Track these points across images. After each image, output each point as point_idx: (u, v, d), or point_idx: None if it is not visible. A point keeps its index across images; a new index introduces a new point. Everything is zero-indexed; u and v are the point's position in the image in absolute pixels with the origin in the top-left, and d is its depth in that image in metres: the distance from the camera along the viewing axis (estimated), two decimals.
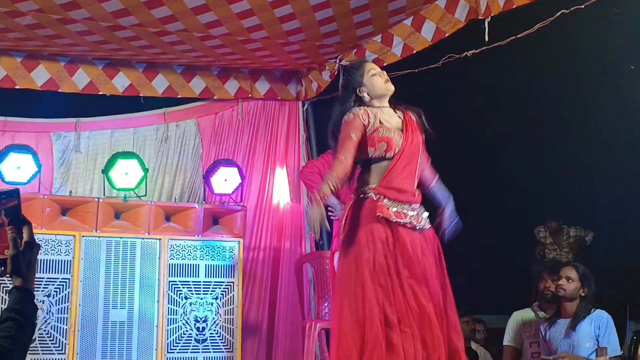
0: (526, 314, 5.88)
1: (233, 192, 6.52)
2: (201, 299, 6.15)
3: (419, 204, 4.31)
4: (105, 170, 6.23)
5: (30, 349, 5.55)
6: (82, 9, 5.33)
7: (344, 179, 4.18)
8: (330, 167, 4.30)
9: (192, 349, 6.08)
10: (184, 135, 7.03)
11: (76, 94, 6.58)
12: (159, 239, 6.09)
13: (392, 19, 5.97)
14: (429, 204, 4.45)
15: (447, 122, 8.30)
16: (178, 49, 6.24)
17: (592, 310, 5.18)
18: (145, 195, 6.34)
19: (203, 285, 6.18)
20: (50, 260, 5.73)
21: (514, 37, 5.31)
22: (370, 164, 4.28)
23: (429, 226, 4.34)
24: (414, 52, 5.99)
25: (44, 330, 5.65)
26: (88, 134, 6.71)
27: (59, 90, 6.49)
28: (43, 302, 5.65)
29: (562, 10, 4.88)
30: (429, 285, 4.19)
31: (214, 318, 6.16)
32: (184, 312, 6.09)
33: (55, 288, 5.72)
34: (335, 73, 6.72)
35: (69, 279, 5.77)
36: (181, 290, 6.10)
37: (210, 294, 6.18)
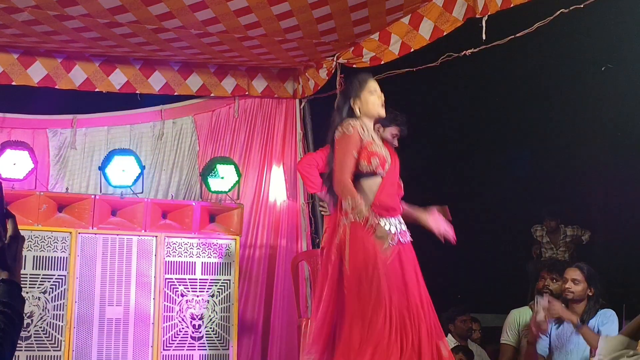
0: (524, 312, 5.87)
1: (230, 190, 6.51)
2: (197, 296, 6.14)
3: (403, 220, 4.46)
4: (101, 167, 6.22)
5: (25, 345, 5.55)
6: (79, 5, 5.32)
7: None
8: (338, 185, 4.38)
9: (188, 347, 6.07)
10: (181, 132, 7.02)
11: (73, 91, 6.57)
12: (155, 236, 6.08)
13: (389, 17, 5.97)
14: None
15: (445, 120, 8.33)
16: (175, 46, 6.23)
17: (599, 309, 5.20)
18: (141, 193, 6.33)
19: (199, 282, 6.17)
20: (46, 257, 5.72)
21: (512, 37, 5.31)
22: (359, 179, 4.37)
23: (410, 239, 4.46)
24: (412, 50, 5.98)
25: (40, 327, 5.63)
26: (84, 131, 6.69)
27: (56, 87, 6.49)
28: (39, 299, 5.64)
29: (561, 10, 4.88)
30: (408, 297, 4.29)
31: (210, 315, 6.15)
32: (180, 310, 6.08)
33: (51, 285, 5.70)
34: (333, 71, 6.71)
35: (65, 275, 5.75)
36: (177, 288, 6.09)
37: (207, 291, 6.18)
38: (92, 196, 5.98)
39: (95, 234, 5.91)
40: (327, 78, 6.84)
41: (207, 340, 6.13)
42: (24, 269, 5.62)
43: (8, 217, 2.14)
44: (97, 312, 5.83)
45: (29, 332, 5.56)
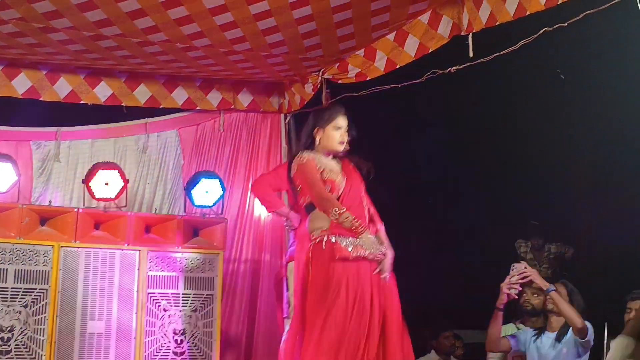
0: (508, 329, 5.88)
1: (214, 205, 6.49)
2: (180, 311, 6.11)
3: (374, 235, 4.56)
4: (85, 180, 6.19)
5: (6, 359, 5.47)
6: (64, 18, 5.31)
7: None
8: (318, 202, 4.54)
9: None
10: (165, 146, 7.00)
11: (57, 103, 6.54)
12: (139, 250, 6.05)
13: (375, 33, 5.98)
14: None
15: (429, 136, 8.35)
16: (161, 59, 6.23)
17: None
18: (125, 206, 6.30)
19: (182, 297, 6.14)
20: (28, 270, 5.68)
21: (497, 54, 5.33)
22: (314, 208, 4.53)
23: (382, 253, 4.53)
24: (397, 67, 6.00)
25: (20, 341, 5.58)
26: (68, 143, 6.67)
27: (40, 99, 6.46)
28: (20, 313, 5.60)
29: (545, 28, 4.91)
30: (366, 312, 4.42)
31: (192, 331, 6.12)
32: (162, 325, 6.05)
33: (32, 298, 5.66)
34: (318, 86, 6.72)
35: (46, 289, 5.71)
36: (160, 302, 6.07)
37: (189, 306, 6.15)
38: (75, 209, 5.95)
39: (78, 247, 5.88)
40: (312, 93, 6.84)
41: (189, 355, 6.10)
42: (5, 282, 5.59)
43: None
44: (79, 327, 5.80)
45: (9, 346, 5.52)
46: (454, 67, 5.63)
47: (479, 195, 8.54)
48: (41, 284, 5.71)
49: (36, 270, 5.71)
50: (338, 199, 4.50)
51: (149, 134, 6.96)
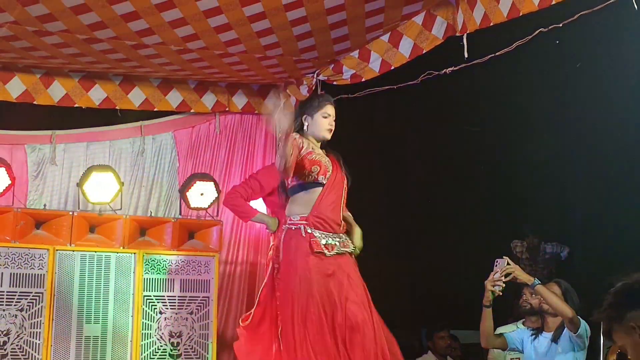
0: (510, 329, 5.88)
1: (209, 207, 6.49)
2: (176, 313, 6.11)
3: (344, 234, 4.65)
4: (80, 184, 6.18)
5: None
6: (58, 21, 5.30)
7: (291, 162, 4.37)
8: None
9: None
10: (160, 148, 7.00)
11: (52, 106, 6.54)
12: (134, 253, 6.05)
13: (369, 34, 5.99)
14: None
15: (425, 138, 8.35)
16: (155, 62, 6.22)
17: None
18: (120, 209, 6.30)
19: (178, 299, 6.14)
20: (23, 274, 5.67)
21: (492, 55, 5.34)
22: (297, 192, 4.58)
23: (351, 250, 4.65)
24: (392, 68, 6.00)
25: (17, 345, 5.58)
26: (63, 147, 6.66)
27: (34, 103, 6.45)
28: (16, 317, 5.59)
29: (540, 29, 4.91)
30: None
31: (188, 333, 6.12)
32: (158, 327, 6.04)
33: (28, 302, 5.66)
34: (313, 88, 6.72)
35: (42, 293, 5.71)
36: (156, 305, 6.06)
37: (185, 308, 6.14)
38: (70, 213, 5.94)
39: (73, 250, 5.88)
40: (307, 95, 6.83)
41: (186, 358, 6.10)
42: (1, 286, 5.58)
43: None
44: (75, 330, 5.80)
45: (5, 350, 5.51)
46: (450, 68, 5.63)
47: (475, 195, 8.54)
48: (37, 287, 5.70)
49: (32, 274, 5.70)
50: (325, 185, 4.55)
51: (144, 136, 6.95)
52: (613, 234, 7.49)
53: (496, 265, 5.12)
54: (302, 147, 4.56)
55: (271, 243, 5.66)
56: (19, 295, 5.64)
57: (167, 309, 6.09)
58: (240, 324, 4.70)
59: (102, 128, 6.85)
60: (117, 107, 6.74)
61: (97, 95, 6.65)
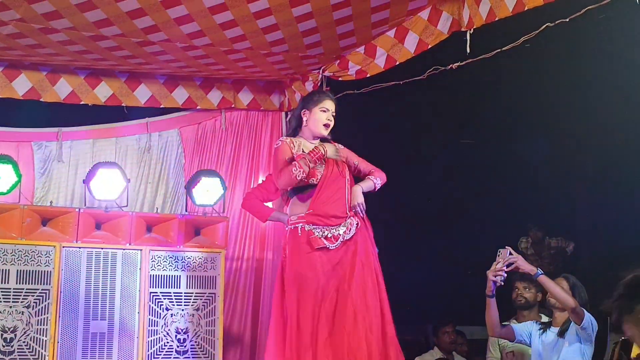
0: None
1: (215, 203, 6.49)
2: (182, 310, 6.11)
3: (351, 218, 4.68)
4: (86, 180, 6.19)
5: None
6: (64, 18, 5.31)
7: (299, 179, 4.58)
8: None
9: None
10: (167, 145, 7.01)
11: (58, 104, 6.55)
12: (140, 250, 6.05)
13: (375, 30, 5.98)
14: None
15: (431, 133, 8.34)
16: (161, 59, 6.22)
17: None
18: (126, 206, 6.30)
19: (184, 296, 6.14)
20: (30, 271, 5.68)
21: (499, 50, 5.32)
22: (295, 193, 4.69)
23: (359, 227, 4.69)
24: (397, 63, 6.00)
25: (23, 342, 5.59)
26: (70, 144, 6.68)
27: (41, 100, 6.47)
28: (22, 314, 5.60)
29: (547, 24, 4.90)
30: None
31: (195, 329, 6.12)
32: (164, 324, 6.05)
33: (35, 299, 5.67)
34: (319, 84, 6.72)
35: (49, 289, 5.72)
36: (162, 302, 6.07)
37: (192, 305, 6.15)
38: (77, 209, 5.95)
39: (80, 247, 5.88)
40: (313, 90, 6.83)
41: (192, 354, 6.10)
42: (7, 283, 5.59)
43: None
44: (81, 327, 5.80)
45: (12, 347, 5.53)
46: (456, 64, 5.62)
47: (481, 191, 8.53)
48: (43, 284, 5.71)
49: (38, 271, 5.71)
50: (318, 185, 4.61)
51: (150, 133, 6.96)
52: (619, 229, 7.48)
53: (499, 255, 5.11)
54: (293, 150, 4.67)
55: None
56: (25, 292, 5.65)
57: (174, 305, 6.10)
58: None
59: (108, 125, 6.86)
60: (123, 104, 6.75)
61: (103, 92, 6.66)
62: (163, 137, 7.02)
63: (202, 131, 7.15)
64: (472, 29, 5.37)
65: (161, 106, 6.91)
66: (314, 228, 4.56)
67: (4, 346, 5.52)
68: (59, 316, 5.71)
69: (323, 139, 4.84)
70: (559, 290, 5.06)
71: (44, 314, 5.68)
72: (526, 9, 4.85)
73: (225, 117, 7.20)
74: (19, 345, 5.57)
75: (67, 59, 6.18)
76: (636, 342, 3.05)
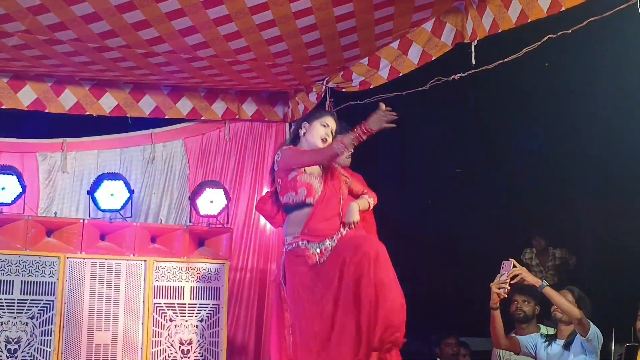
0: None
1: (219, 214, 6.50)
2: (186, 321, 6.11)
3: (343, 229, 4.62)
4: (90, 191, 6.20)
5: None
6: (69, 30, 5.33)
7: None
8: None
9: None
10: (171, 156, 7.02)
11: (63, 114, 6.57)
12: (144, 261, 6.06)
13: (378, 41, 6.00)
14: None
15: (434, 144, 8.35)
16: (165, 70, 6.24)
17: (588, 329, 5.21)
18: (130, 217, 6.31)
19: (188, 307, 6.14)
20: (34, 282, 5.69)
21: (501, 61, 5.33)
22: (290, 211, 4.62)
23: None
24: (401, 74, 6.01)
25: (27, 353, 5.59)
26: (74, 155, 6.69)
27: (46, 111, 6.50)
28: (27, 325, 5.61)
29: (549, 35, 4.91)
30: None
31: (199, 341, 6.12)
32: (168, 335, 6.05)
33: (39, 310, 5.67)
34: (322, 95, 6.73)
35: (53, 300, 5.72)
36: (166, 313, 6.07)
37: (196, 316, 6.15)
38: (81, 220, 5.96)
39: (84, 258, 5.89)
40: (316, 102, 6.85)
41: None
42: (12, 293, 5.60)
43: None
44: (85, 338, 5.80)
45: (16, 358, 5.53)
46: (458, 75, 5.63)
47: (484, 201, 8.53)
48: (47, 295, 5.72)
49: (42, 282, 5.72)
50: (314, 206, 4.55)
51: (155, 144, 6.98)
52: (624, 240, 7.47)
53: (502, 268, 5.10)
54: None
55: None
56: (29, 303, 5.66)
57: (177, 316, 6.10)
58: None
59: (112, 136, 6.88)
60: (127, 115, 6.78)
61: (107, 103, 6.68)
62: (167, 148, 7.04)
63: (206, 142, 7.17)
64: (475, 41, 5.38)
65: (165, 117, 6.93)
66: (308, 244, 4.52)
67: (8, 357, 5.52)
68: (63, 327, 5.72)
69: None
70: (564, 301, 5.05)
71: (48, 325, 5.68)
72: (530, 21, 4.86)
73: (230, 127, 7.22)
74: (22, 356, 5.57)
75: (72, 70, 6.21)
76: None
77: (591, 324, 5.04)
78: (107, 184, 6.18)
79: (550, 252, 8.20)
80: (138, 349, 5.93)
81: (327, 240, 4.52)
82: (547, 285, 5.07)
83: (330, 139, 4.66)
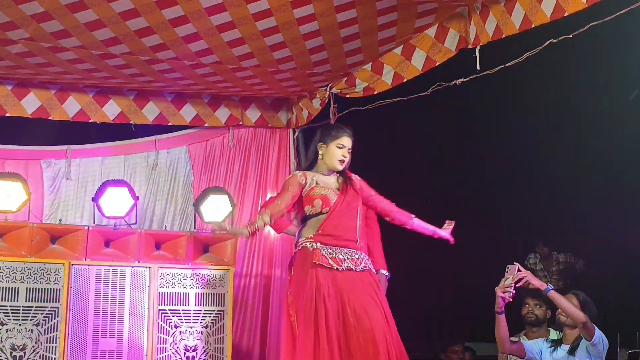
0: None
1: (223, 221, 6.49)
2: (191, 327, 6.11)
3: (361, 252, 4.72)
4: (94, 198, 6.21)
5: None
6: (72, 37, 5.35)
7: (275, 217, 4.72)
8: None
9: None
10: (175, 162, 7.03)
11: (66, 122, 6.59)
12: (149, 267, 6.06)
13: (382, 47, 6.00)
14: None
15: (436, 149, 8.35)
16: (169, 76, 6.26)
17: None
18: (135, 223, 6.32)
19: (193, 313, 6.14)
20: (39, 288, 5.69)
21: (502, 66, 5.34)
22: (307, 219, 4.73)
23: (369, 268, 4.72)
24: (405, 80, 6.02)
25: None
26: (78, 162, 6.71)
27: (50, 118, 6.51)
28: (32, 332, 5.61)
29: (551, 40, 4.92)
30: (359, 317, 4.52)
31: (203, 347, 6.12)
32: (173, 341, 6.04)
33: (44, 317, 5.67)
34: (326, 101, 6.74)
35: (58, 307, 5.73)
36: (171, 319, 6.07)
37: (200, 322, 6.15)
38: (86, 227, 5.96)
39: (89, 265, 5.89)
40: (320, 108, 6.86)
41: None
42: (17, 300, 5.61)
43: None
44: (90, 344, 5.80)
45: None
46: (460, 80, 5.65)
47: (488, 206, 8.52)
48: (52, 302, 5.72)
49: (47, 289, 5.72)
50: (329, 211, 4.66)
51: (159, 150, 6.99)
52: (630, 245, 7.46)
53: (507, 272, 5.10)
54: (305, 183, 4.74)
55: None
56: (34, 310, 5.66)
57: (182, 322, 6.10)
58: None
59: (116, 143, 6.90)
60: (131, 122, 6.78)
61: (111, 110, 6.69)
62: (171, 155, 7.05)
63: (210, 148, 7.17)
64: (479, 46, 5.38)
65: (169, 124, 6.94)
66: (321, 247, 4.59)
67: None
68: (68, 334, 5.72)
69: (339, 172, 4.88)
70: (569, 305, 5.05)
71: (53, 332, 5.68)
72: (533, 26, 4.87)
73: (233, 134, 7.22)
74: None
75: (76, 77, 6.22)
76: None
77: (596, 328, 5.04)
78: (111, 191, 6.18)
79: (554, 257, 8.19)
80: (143, 356, 5.92)
81: (342, 252, 4.60)
82: (552, 289, 5.07)
83: (347, 159, 4.77)
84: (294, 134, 7.39)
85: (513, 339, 5.82)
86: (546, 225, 8.40)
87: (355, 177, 4.89)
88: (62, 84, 6.47)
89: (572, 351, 5.23)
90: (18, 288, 5.63)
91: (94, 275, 5.90)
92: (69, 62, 5.80)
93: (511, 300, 5.11)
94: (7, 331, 5.55)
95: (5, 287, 5.60)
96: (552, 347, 5.38)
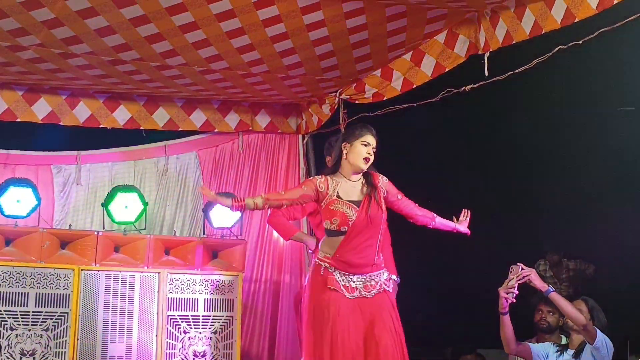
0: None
1: (233, 226, 6.51)
2: (200, 333, 6.11)
3: (377, 271, 4.63)
4: (105, 204, 6.23)
5: None
6: (83, 43, 5.37)
7: (273, 204, 4.64)
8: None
9: None
10: (185, 168, 7.05)
11: (77, 127, 6.61)
12: (158, 273, 6.06)
13: (391, 53, 6.00)
14: None
15: (446, 155, 8.33)
16: (179, 82, 6.27)
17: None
18: (144, 229, 6.33)
19: (202, 319, 6.14)
20: (49, 294, 5.70)
21: (512, 72, 5.34)
22: (328, 234, 4.64)
23: (383, 289, 4.63)
24: (414, 86, 6.02)
25: None
26: (89, 167, 6.73)
27: (60, 124, 6.53)
28: (41, 337, 5.62)
29: (560, 46, 4.91)
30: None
31: (212, 352, 6.12)
32: (182, 347, 6.05)
33: (53, 322, 5.69)
34: (336, 107, 6.74)
35: (67, 313, 5.74)
36: (180, 325, 6.07)
37: (209, 328, 6.15)
38: (95, 233, 5.98)
39: (98, 270, 5.90)
40: (330, 114, 6.87)
41: None
42: (27, 306, 5.62)
43: None
44: (100, 350, 5.81)
45: None
46: (469, 86, 5.64)
47: (497, 213, 8.49)
48: (62, 307, 5.73)
49: (57, 294, 5.73)
50: (347, 232, 4.55)
51: (169, 156, 7.01)
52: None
53: (511, 272, 5.09)
54: (326, 193, 4.60)
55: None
56: (44, 315, 5.67)
57: (191, 328, 6.10)
58: None
59: (126, 148, 6.91)
60: (141, 128, 6.80)
61: (121, 115, 6.71)
62: (181, 160, 7.07)
63: (220, 154, 7.19)
64: (488, 52, 5.38)
65: (179, 129, 6.95)
66: (335, 271, 4.55)
67: None
68: (78, 339, 5.72)
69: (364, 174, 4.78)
70: (569, 307, 5.04)
71: (63, 337, 5.69)
72: (544, 32, 4.86)
73: (243, 139, 7.24)
74: None
75: (86, 83, 6.25)
76: None
77: (598, 331, 5.03)
78: (121, 196, 6.20)
79: (564, 264, 8.16)
80: None
81: (355, 279, 4.56)
82: (553, 291, 5.06)
83: (372, 158, 4.66)
84: (303, 139, 7.39)
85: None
86: (557, 231, 8.37)
87: (382, 181, 4.74)
88: (72, 89, 6.50)
89: (576, 355, 5.22)
90: (28, 293, 5.65)
91: (104, 281, 5.91)
92: (80, 68, 5.82)
93: (515, 300, 5.10)
94: (16, 336, 5.57)
95: (15, 292, 5.61)
96: (559, 352, 5.37)
